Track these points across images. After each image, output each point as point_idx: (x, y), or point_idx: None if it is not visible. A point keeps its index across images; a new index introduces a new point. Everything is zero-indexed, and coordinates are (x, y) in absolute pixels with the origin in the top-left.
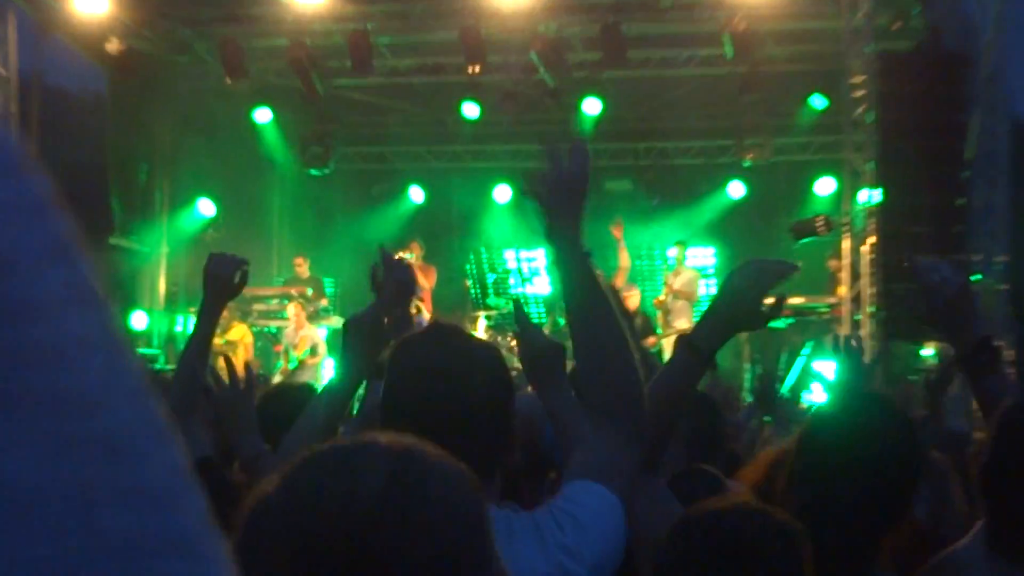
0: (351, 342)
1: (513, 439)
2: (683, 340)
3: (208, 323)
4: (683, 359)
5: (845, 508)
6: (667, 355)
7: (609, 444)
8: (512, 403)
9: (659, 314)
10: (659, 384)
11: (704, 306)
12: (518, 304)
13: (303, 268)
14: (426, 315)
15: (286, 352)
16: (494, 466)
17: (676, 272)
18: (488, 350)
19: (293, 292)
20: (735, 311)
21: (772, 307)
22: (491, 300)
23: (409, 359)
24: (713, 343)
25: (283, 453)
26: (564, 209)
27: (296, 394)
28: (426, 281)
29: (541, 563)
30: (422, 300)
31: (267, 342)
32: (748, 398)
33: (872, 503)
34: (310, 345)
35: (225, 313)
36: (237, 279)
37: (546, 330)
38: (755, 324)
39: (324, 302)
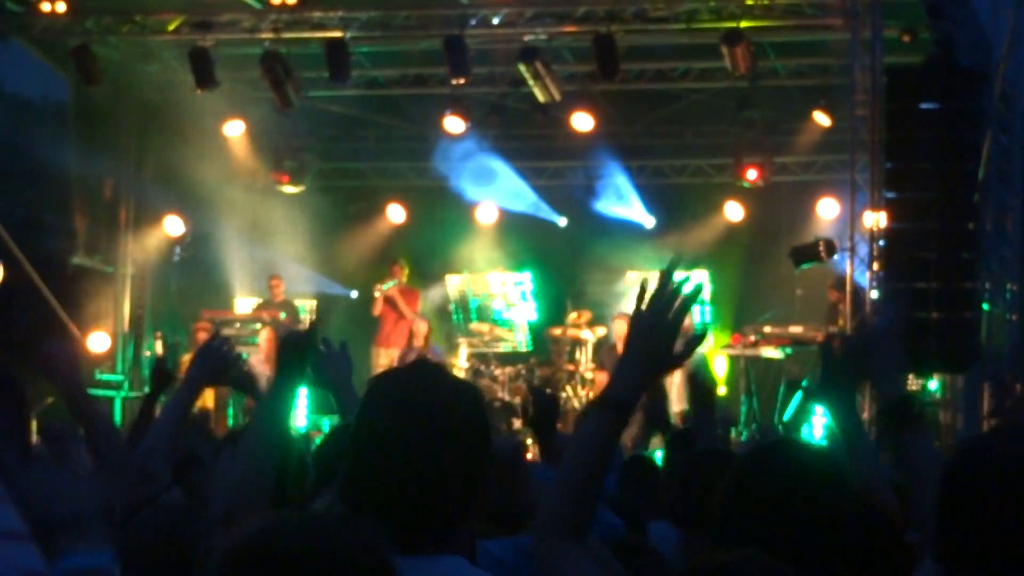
0: (287, 358)
1: (486, 488)
2: (598, 396)
3: (189, 406)
4: (599, 417)
5: None
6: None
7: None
8: (488, 450)
9: None
10: (577, 450)
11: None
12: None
13: (278, 290)
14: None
15: None
16: (463, 516)
17: None
18: (469, 392)
19: (265, 316)
20: (649, 351)
21: (690, 341)
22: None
23: (386, 394)
24: (632, 393)
25: (230, 489)
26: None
27: None
28: (408, 307)
29: None
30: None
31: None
32: (744, 433)
33: None
34: None
35: (202, 335)
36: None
37: None
38: (674, 363)
39: (300, 328)
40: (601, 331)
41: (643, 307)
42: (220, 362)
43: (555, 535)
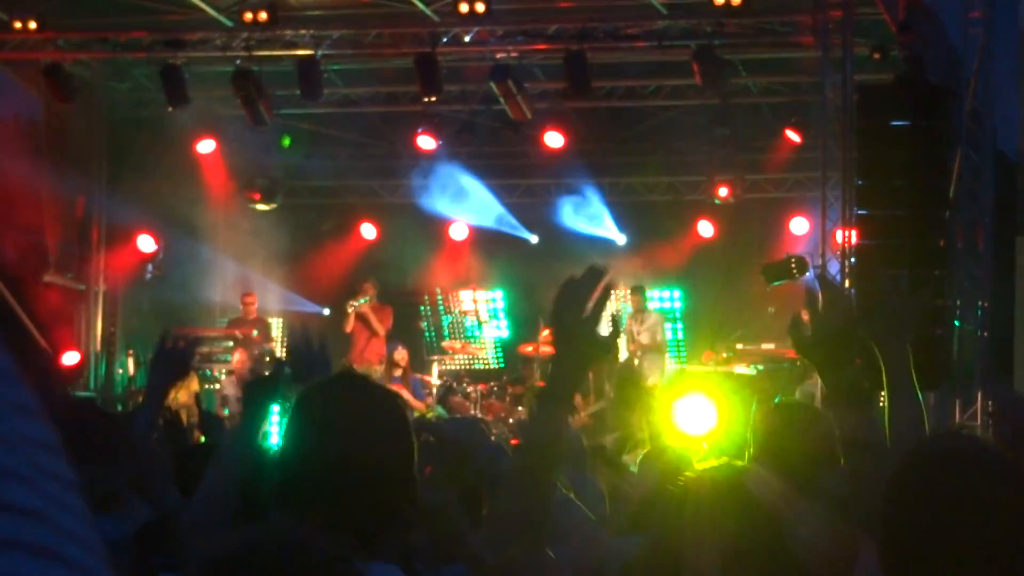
0: (253, 401)
1: (414, 498)
2: (540, 393)
3: (158, 406)
4: (545, 413)
5: None
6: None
7: None
8: (413, 460)
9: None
10: (528, 445)
11: (673, 351)
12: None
13: (252, 307)
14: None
15: (223, 404)
16: (390, 524)
17: (639, 319)
18: (392, 403)
19: (238, 334)
20: (573, 342)
21: (611, 332)
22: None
23: (309, 409)
24: (568, 386)
25: (198, 506)
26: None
27: None
28: (380, 324)
29: None
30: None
31: (210, 391)
32: None
33: None
34: None
35: None
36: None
37: None
38: (601, 349)
39: (271, 345)
40: None
41: (560, 312)
42: (180, 364)
43: (507, 538)
